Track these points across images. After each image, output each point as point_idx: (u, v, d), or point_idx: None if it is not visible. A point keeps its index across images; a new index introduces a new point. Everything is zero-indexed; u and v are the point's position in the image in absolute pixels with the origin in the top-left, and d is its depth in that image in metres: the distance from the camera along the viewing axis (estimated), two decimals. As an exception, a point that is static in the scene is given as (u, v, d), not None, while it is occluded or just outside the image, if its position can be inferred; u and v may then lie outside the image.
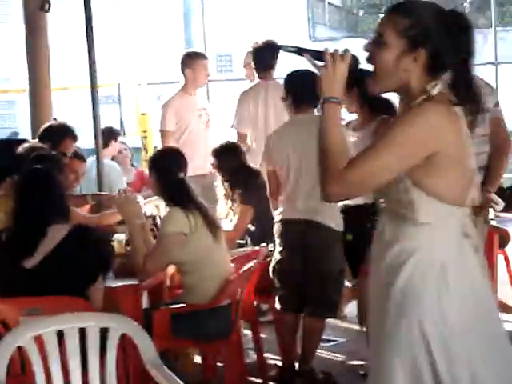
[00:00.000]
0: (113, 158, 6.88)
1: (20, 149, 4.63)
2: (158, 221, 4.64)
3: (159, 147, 6.57)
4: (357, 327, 5.25)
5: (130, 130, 12.24)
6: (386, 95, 3.40)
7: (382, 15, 2.58)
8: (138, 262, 4.00)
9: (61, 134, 5.23)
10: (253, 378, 4.67)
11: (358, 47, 2.53)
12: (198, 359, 4.88)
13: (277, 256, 4.70)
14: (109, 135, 6.67)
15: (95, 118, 5.72)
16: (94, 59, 5.73)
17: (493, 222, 4.86)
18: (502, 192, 5.04)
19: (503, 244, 5.56)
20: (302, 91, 4.60)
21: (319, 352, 4.87)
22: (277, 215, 4.73)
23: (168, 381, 2.88)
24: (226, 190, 5.38)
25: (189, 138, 6.46)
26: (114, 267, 4.04)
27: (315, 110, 4.65)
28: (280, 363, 4.81)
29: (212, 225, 4.14)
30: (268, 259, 4.77)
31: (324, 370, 4.77)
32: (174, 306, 4.15)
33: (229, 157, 5.38)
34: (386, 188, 2.40)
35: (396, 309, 2.39)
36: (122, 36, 23.11)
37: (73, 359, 2.95)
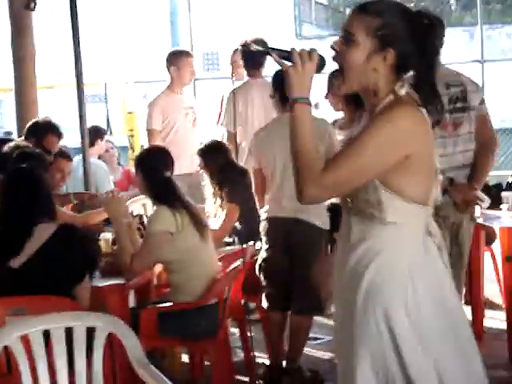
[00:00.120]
0: (100, 157, 6.87)
1: (5, 148, 4.62)
2: (145, 220, 4.63)
3: (146, 146, 6.56)
4: (344, 325, 5.25)
5: (116, 128, 12.20)
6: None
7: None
8: (124, 261, 4.00)
9: (44, 129, 5.23)
10: (240, 377, 4.67)
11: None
12: (185, 358, 4.88)
13: (263, 254, 4.70)
14: (95, 134, 6.66)
15: (81, 116, 5.71)
16: (80, 58, 5.72)
17: (479, 220, 4.87)
18: (488, 190, 5.06)
19: (489, 241, 5.58)
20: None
21: (306, 350, 4.88)
22: (263, 213, 4.73)
23: (155, 380, 2.88)
24: (214, 188, 5.38)
25: (175, 137, 6.45)
26: (100, 266, 4.04)
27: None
28: (268, 362, 4.82)
29: (199, 223, 4.14)
30: (255, 258, 4.77)
31: (311, 368, 4.77)
32: (161, 305, 4.15)
33: (214, 155, 5.39)
34: (355, 188, 2.41)
35: (362, 310, 2.40)
36: (109, 34, 23.05)
37: (59, 359, 2.94)
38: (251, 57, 6.18)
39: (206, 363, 4.53)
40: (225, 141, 6.17)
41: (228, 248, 4.98)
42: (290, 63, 2.41)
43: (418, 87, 2.43)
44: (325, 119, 4.77)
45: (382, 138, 2.34)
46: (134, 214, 4.89)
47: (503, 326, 5.11)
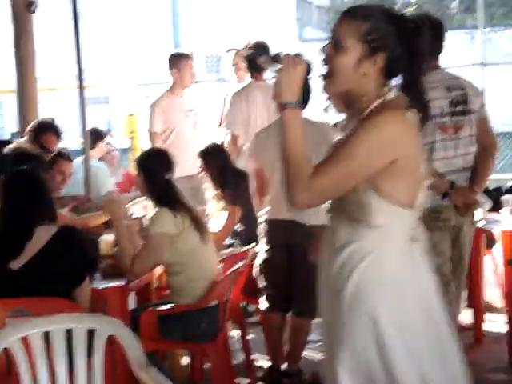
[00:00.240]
0: (101, 159, 6.87)
1: (5, 149, 4.63)
2: (146, 222, 4.63)
3: (146, 148, 6.56)
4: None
5: (118, 130, 12.22)
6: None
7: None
8: (125, 263, 4.00)
9: (44, 127, 5.27)
10: (240, 379, 4.67)
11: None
12: (185, 360, 4.88)
13: (262, 256, 4.70)
14: (95, 136, 6.66)
15: (83, 118, 5.71)
16: (81, 60, 5.72)
17: (480, 223, 4.87)
18: (489, 193, 5.06)
19: (490, 245, 5.57)
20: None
21: (307, 352, 4.88)
22: (262, 215, 4.73)
23: (155, 382, 2.87)
24: (215, 190, 5.38)
25: (176, 139, 6.46)
26: (101, 268, 4.04)
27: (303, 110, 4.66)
28: (267, 364, 4.82)
29: (199, 225, 4.14)
30: (254, 260, 4.77)
31: (312, 371, 4.77)
32: (162, 307, 4.15)
33: (214, 158, 5.40)
34: (344, 192, 2.41)
35: (347, 313, 2.41)
36: (110, 37, 23.07)
37: (59, 361, 2.95)
38: (254, 59, 6.18)
39: (206, 365, 4.52)
40: (227, 143, 6.17)
41: (229, 250, 4.97)
42: (279, 67, 2.41)
43: (406, 89, 2.43)
44: (327, 122, 4.76)
45: (370, 143, 2.34)
46: (135, 215, 4.88)
47: (503, 329, 5.11)
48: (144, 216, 5.05)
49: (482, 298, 5.41)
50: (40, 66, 7.49)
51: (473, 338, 5.23)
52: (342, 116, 5.14)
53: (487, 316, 5.48)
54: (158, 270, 4.38)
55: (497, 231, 5.16)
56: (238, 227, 5.42)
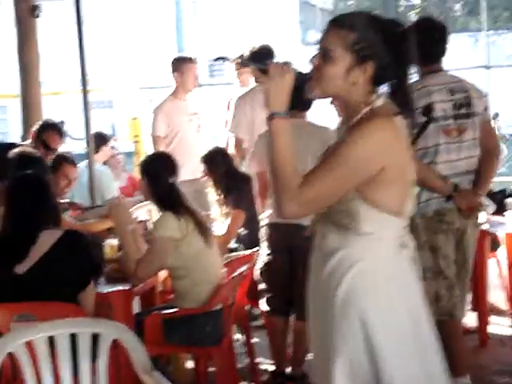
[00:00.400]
0: (105, 163, 6.87)
1: (10, 153, 4.63)
2: (150, 226, 4.63)
3: (150, 152, 6.57)
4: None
5: (122, 134, 12.23)
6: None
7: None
8: (129, 268, 4.00)
9: (46, 125, 5.29)
10: (245, 383, 4.67)
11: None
12: (189, 364, 4.88)
13: (264, 259, 4.69)
14: (99, 140, 6.66)
15: (87, 122, 5.72)
16: (85, 64, 5.73)
17: (484, 226, 4.86)
18: (492, 196, 5.05)
19: (494, 248, 5.57)
20: (293, 96, 4.58)
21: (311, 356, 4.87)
22: (264, 218, 4.72)
23: (160, 386, 2.88)
24: (219, 195, 5.38)
25: (180, 143, 6.46)
26: (105, 272, 4.04)
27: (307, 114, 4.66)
28: (272, 368, 4.81)
29: (203, 229, 4.14)
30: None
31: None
32: (166, 311, 4.15)
33: (217, 163, 5.40)
34: (334, 201, 2.40)
35: (338, 319, 2.41)
36: (114, 41, 23.10)
37: (64, 365, 2.95)
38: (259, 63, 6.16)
39: (211, 369, 4.52)
40: (232, 146, 6.17)
41: (234, 254, 4.97)
42: (267, 76, 2.41)
43: (395, 97, 2.42)
44: (328, 127, 4.75)
45: (360, 151, 2.33)
46: (139, 219, 4.89)
47: (508, 331, 5.10)
48: (148, 220, 5.06)
49: (487, 301, 5.40)
50: (44, 71, 7.50)
51: (478, 340, 5.22)
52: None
53: (492, 319, 5.47)
54: (163, 274, 4.38)
55: (501, 234, 5.15)
56: (242, 231, 5.42)
